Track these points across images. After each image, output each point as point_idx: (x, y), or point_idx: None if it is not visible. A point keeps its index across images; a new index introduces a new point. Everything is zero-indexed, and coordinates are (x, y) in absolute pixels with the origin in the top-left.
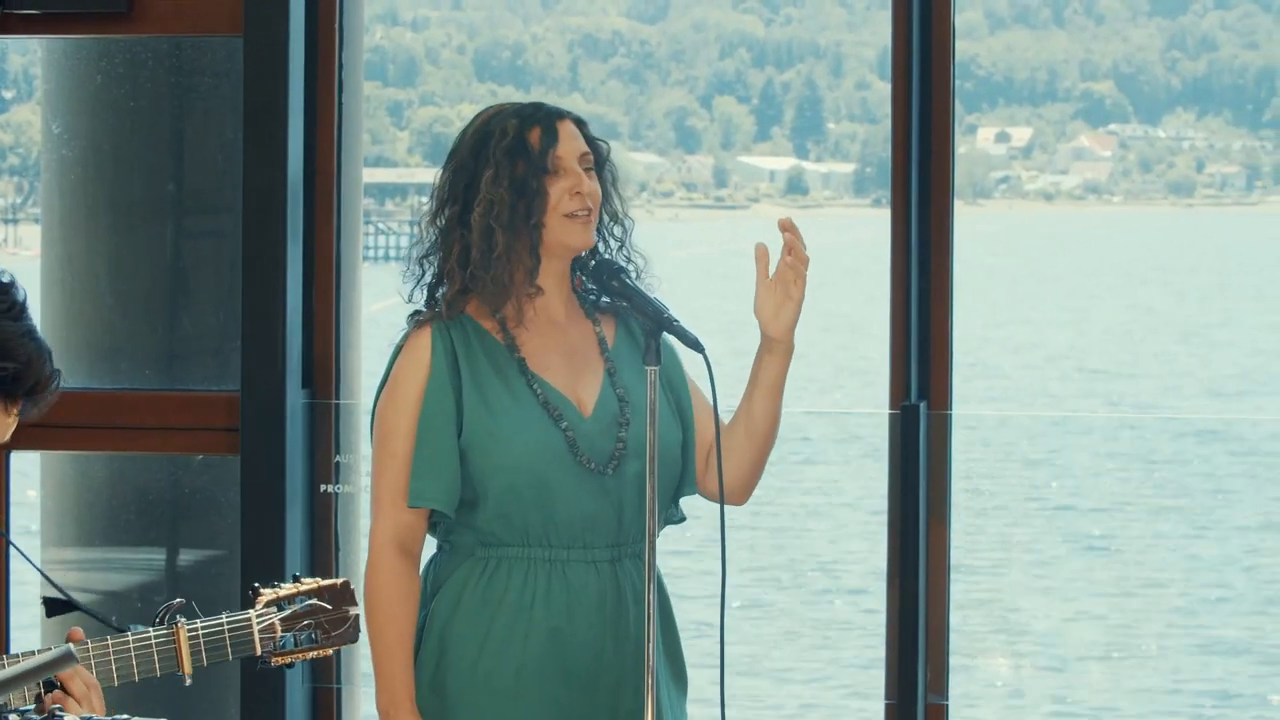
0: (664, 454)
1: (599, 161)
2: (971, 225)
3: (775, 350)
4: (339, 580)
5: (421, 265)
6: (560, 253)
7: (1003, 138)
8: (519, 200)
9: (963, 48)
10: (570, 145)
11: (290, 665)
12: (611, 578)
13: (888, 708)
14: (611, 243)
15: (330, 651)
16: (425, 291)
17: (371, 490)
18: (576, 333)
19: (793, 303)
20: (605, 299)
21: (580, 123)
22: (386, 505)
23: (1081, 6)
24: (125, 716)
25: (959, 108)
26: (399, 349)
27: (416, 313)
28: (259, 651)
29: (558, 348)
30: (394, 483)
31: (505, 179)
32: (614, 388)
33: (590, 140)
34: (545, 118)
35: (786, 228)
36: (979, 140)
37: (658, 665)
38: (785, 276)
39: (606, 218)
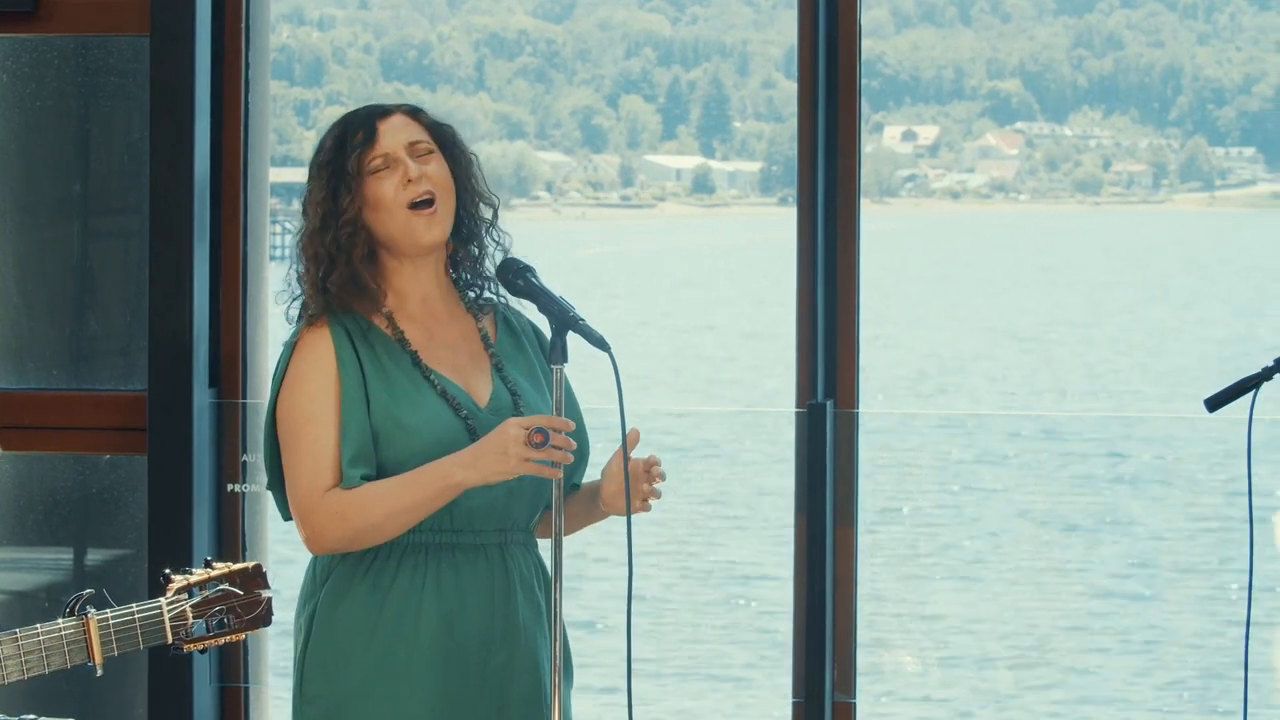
0: None
1: (445, 145)
2: (878, 223)
3: (607, 514)
4: (250, 564)
5: (300, 285)
6: (414, 252)
7: (909, 136)
8: (333, 206)
9: (869, 46)
10: (393, 139)
11: (203, 651)
12: (500, 563)
13: (795, 706)
14: (481, 224)
15: (243, 636)
16: (299, 309)
17: (290, 481)
18: (460, 328)
19: (645, 510)
20: (486, 296)
21: (415, 112)
22: (316, 490)
23: (988, 5)
24: (32, 717)
25: (865, 106)
26: (292, 345)
27: (298, 316)
28: (170, 639)
29: (444, 342)
30: (319, 469)
31: (321, 190)
32: (504, 381)
33: (431, 125)
34: (366, 119)
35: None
36: (885, 139)
37: (547, 654)
38: (645, 490)
39: (472, 198)
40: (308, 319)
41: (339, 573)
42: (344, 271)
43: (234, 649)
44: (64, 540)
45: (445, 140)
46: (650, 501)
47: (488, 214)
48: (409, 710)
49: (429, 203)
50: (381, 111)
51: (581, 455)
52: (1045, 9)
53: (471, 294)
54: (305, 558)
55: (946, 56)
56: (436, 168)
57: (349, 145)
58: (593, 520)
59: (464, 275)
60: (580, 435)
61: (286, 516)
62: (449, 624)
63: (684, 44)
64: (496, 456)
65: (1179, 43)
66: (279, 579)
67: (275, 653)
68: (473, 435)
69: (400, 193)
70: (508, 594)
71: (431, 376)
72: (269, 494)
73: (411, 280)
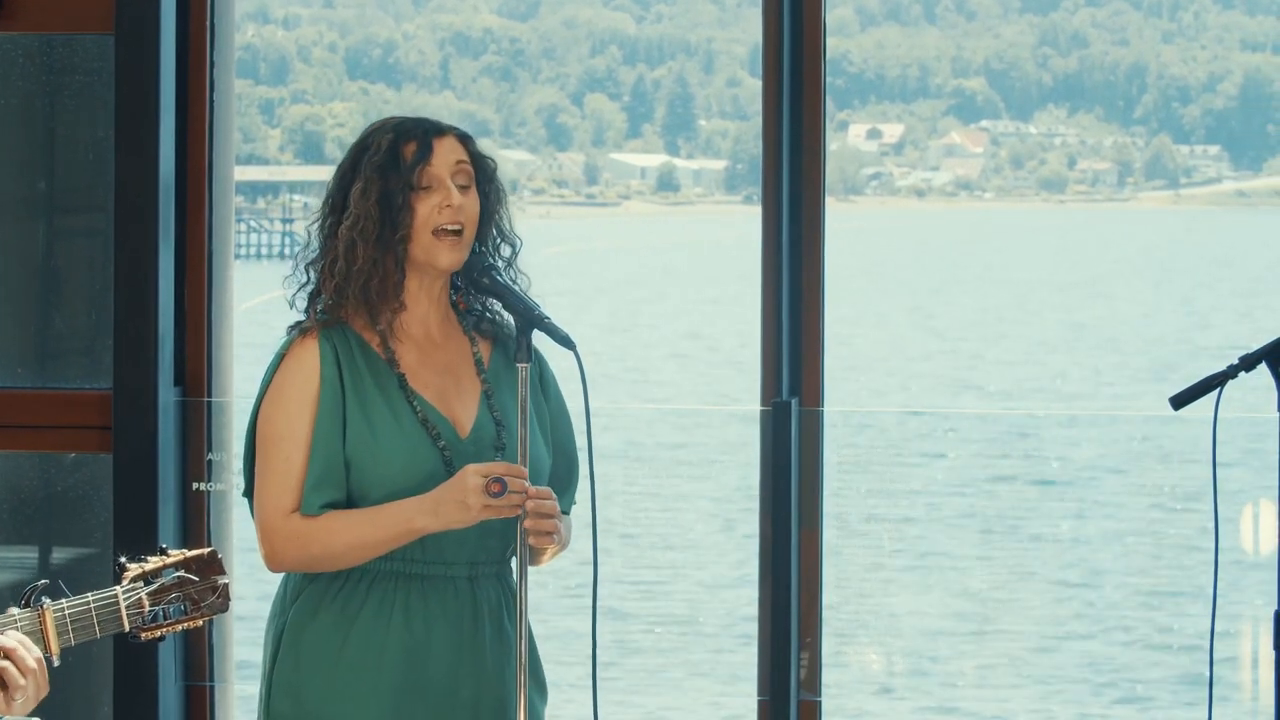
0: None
1: (484, 178)
2: (843, 222)
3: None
4: (205, 550)
5: (307, 271)
6: (430, 272)
7: (874, 134)
8: (385, 215)
9: (834, 44)
10: (444, 160)
11: (161, 638)
12: (469, 594)
13: (760, 704)
14: (499, 262)
15: (201, 622)
16: (307, 299)
17: (257, 496)
18: (453, 351)
19: (549, 543)
20: (485, 322)
21: (465, 139)
22: (279, 510)
23: (953, 3)
24: None
25: (830, 104)
26: (281, 356)
27: (298, 322)
28: (127, 627)
29: (435, 365)
30: (285, 489)
31: (374, 194)
32: (490, 410)
33: (475, 156)
34: (422, 134)
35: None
36: (850, 137)
37: (514, 687)
38: (529, 525)
39: (496, 235)
40: (301, 329)
41: (309, 593)
42: (381, 280)
43: (200, 648)
44: (29, 539)
45: (484, 173)
46: (553, 536)
47: (506, 252)
48: None
49: (458, 231)
50: (437, 131)
51: (569, 479)
52: (1010, 7)
53: (473, 318)
54: None
55: (911, 55)
56: (471, 200)
57: (402, 155)
58: (544, 561)
59: (472, 304)
60: (569, 455)
61: None
62: (413, 657)
63: (649, 42)
64: (456, 506)
65: (1144, 41)
66: (249, 577)
67: (241, 652)
68: (448, 466)
69: (434, 216)
70: (475, 628)
71: (415, 401)
72: (235, 493)
73: (414, 297)
